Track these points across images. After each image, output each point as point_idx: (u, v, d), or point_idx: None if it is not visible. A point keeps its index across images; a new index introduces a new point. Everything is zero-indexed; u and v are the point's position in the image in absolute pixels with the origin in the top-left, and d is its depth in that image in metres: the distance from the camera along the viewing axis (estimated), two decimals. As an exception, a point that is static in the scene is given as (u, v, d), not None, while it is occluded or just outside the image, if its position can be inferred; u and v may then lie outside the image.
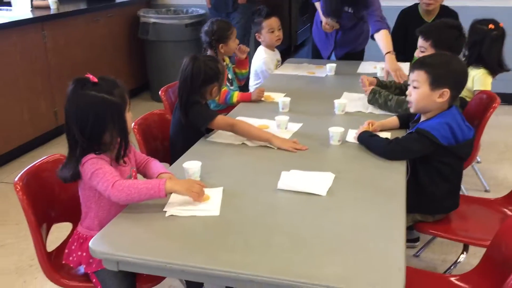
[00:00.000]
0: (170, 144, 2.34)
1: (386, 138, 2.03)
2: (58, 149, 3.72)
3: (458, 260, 2.02)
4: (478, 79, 3.01)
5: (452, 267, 2.05)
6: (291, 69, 3.48)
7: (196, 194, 1.59)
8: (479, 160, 3.67)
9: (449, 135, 1.93)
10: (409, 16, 3.85)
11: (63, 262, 1.78)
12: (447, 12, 3.79)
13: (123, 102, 1.62)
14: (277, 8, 6.05)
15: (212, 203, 1.61)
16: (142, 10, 5.15)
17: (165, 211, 1.56)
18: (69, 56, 4.20)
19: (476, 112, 2.69)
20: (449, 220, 2.08)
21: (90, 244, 1.39)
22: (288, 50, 7.22)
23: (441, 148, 1.93)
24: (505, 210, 2.12)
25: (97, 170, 1.58)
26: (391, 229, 1.46)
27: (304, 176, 1.79)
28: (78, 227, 1.79)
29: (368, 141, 2.05)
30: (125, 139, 1.65)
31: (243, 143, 2.11)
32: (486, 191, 3.22)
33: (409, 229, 2.23)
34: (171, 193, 1.60)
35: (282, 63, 3.67)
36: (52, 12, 4.10)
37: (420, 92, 1.95)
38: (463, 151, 2.00)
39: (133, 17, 5.10)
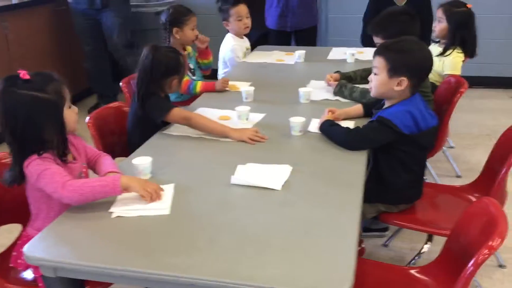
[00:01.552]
0: (128, 138, 2.25)
1: (347, 127, 1.97)
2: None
3: (422, 251, 1.98)
4: (449, 63, 2.97)
5: (416, 258, 2.01)
6: (260, 56, 3.40)
7: (149, 194, 1.52)
8: (452, 145, 3.64)
9: (410, 123, 1.88)
10: (381, 0, 3.79)
11: (11, 265, 1.70)
12: (418, -5, 3.74)
13: (58, 98, 1.53)
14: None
15: (162, 201, 1.53)
16: (111, -2, 5.00)
17: (112, 212, 1.48)
18: (32, 47, 4.05)
19: (445, 97, 2.64)
20: (414, 210, 2.03)
21: (24, 249, 1.31)
22: (265, 37, 7.10)
23: (402, 137, 1.87)
24: (471, 197, 2.08)
25: (43, 171, 1.50)
26: (343, 225, 1.40)
27: (260, 170, 1.72)
28: (27, 228, 1.72)
29: (329, 130, 1.99)
30: (62, 137, 1.55)
31: (200, 136, 2.04)
32: (458, 176, 3.19)
33: (376, 219, 2.19)
34: (126, 189, 1.52)
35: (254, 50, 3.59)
36: (13, 1, 3.96)
37: (378, 79, 1.90)
38: (425, 140, 1.95)
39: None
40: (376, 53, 1.93)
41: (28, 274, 1.71)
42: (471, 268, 1.25)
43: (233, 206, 1.53)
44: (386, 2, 3.69)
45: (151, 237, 1.37)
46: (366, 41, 3.88)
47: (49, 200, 1.60)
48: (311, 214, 1.47)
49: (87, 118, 2.16)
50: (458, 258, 1.46)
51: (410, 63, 1.86)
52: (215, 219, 1.45)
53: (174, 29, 2.78)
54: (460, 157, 3.46)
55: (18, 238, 1.81)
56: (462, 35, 2.94)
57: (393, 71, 1.86)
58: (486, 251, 1.24)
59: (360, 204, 1.52)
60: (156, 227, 1.42)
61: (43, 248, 1.34)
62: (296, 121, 2.02)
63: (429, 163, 3.04)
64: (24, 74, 1.49)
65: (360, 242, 2.41)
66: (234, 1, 3.30)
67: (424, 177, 2.69)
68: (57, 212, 1.61)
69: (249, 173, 1.69)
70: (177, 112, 2.08)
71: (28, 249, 1.31)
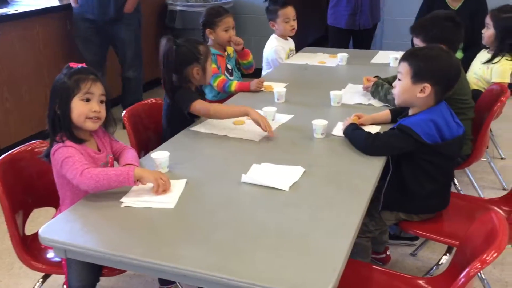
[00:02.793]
0: (162, 134, 2.35)
1: (368, 132, 1.95)
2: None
3: (440, 262, 1.92)
4: (497, 71, 2.86)
5: (434, 268, 1.96)
6: (303, 58, 3.41)
7: (158, 185, 1.59)
8: (503, 156, 3.48)
9: (433, 132, 1.84)
10: (433, 2, 3.70)
11: (43, 246, 1.84)
12: (474, -1, 3.61)
13: (73, 86, 1.66)
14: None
15: (170, 196, 1.60)
16: (171, -2, 5.19)
17: (122, 202, 1.57)
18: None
19: (487, 105, 2.54)
20: (436, 219, 1.98)
21: (39, 231, 1.43)
22: (323, 39, 7.06)
23: (424, 146, 1.83)
24: (498, 210, 2.00)
25: (66, 158, 1.63)
26: (341, 229, 1.41)
27: (272, 170, 1.76)
28: (57, 212, 1.86)
29: (351, 134, 1.99)
30: (64, 122, 1.68)
31: (224, 135, 2.10)
32: (504, 189, 3.04)
33: (396, 226, 2.16)
34: (139, 180, 1.60)
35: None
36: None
37: (402, 85, 1.87)
38: (449, 150, 1.90)
39: (162, 5, 5.16)
40: (401, 58, 1.91)
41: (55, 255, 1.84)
42: (462, 280, 1.22)
43: (238, 204, 1.58)
44: (439, 5, 3.60)
45: (154, 228, 1.45)
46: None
47: (74, 187, 1.70)
48: (312, 216, 1.49)
49: (123, 113, 2.27)
50: (461, 271, 1.43)
51: (434, 69, 1.83)
52: (216, 215, 1.50)
53: (207, 30, 2.84)
54: (509, 169, 3.29)
55: (50, 221, 1.96)
56: (511, 42, 2.81)
57: (417, 76, 1.83)
58: (478, 264, 1.21)
59: (363, 210, 1.51)
60: (160, 219, 1.49)
61: (57, 231, 1.45)
62: (318, 123, 2.03)
63: (473, 174, 2.94)
64: (74, 64, 1.70)
65: (386, 249, 2.39)
66: (283, 3, 3.34)
67: (460, 188, 2.62)
68: (81, 198, 1.73)
69: (261, 173, 1.73)
70: (199, 103, 2.14)
71: (43, 230, 1.43)
